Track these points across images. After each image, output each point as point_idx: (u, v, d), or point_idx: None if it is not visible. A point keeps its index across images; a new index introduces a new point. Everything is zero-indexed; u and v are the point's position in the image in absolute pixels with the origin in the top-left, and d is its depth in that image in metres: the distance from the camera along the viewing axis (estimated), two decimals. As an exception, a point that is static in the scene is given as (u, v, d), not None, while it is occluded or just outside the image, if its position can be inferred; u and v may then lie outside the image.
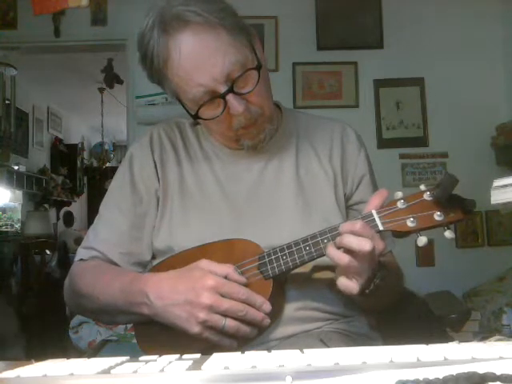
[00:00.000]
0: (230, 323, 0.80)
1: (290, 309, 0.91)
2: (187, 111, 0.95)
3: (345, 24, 3.25)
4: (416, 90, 3.24)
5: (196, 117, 0.92)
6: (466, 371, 0.39)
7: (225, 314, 0.80)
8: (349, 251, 0.77)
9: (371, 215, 0.82)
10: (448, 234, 0.81)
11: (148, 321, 0.89)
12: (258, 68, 0.90)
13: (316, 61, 3.25)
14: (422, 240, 0.80)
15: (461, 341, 0.55)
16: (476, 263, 2.98)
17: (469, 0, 3.24)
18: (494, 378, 0.38)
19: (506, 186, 0.83)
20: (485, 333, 2.31)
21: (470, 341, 0.59)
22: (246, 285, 0.85)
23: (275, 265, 0.86)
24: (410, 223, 0.80)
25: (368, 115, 3.21)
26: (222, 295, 0.80)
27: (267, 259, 0.86)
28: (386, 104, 3.24)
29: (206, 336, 0.81)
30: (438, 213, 0.80)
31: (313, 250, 0.84)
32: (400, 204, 0.82)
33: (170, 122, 1.10)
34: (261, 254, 0.87)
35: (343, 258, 0.78)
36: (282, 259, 0.86)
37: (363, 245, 0.76)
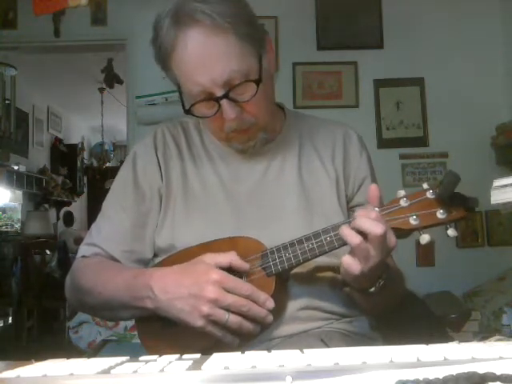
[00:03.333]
0: (233, 318, 0.80)
1: (292, 308, 0.91)
2: (182, 103, 0.95)
3: (345, 24, 3.25)
4: (416, 89, 3.24)
5: (188, 112, 0.93)
6: (465, 371, 0.39)
7: (228, 309, 0.80)
8: (361, 234, 0.78)
9: None
10: (450, 232, 0.81)
11: (151, 317, 0.89)
12: (257, 82, 0.89)
13: (316, 61, 3.25)
14: (425, 238, 0.80)
15: (461, 341, 0.55)
16: (476, 263, 2.98)
17: (469, 0, 3.24)
18: (494, 377, 0.38)
19: (506, 185, 0.83)
20: (485, 333, 2.31)
21: (470, 341, 0.59)
22: (248, 276, 0.86)
23: (278, 261, 0.86)
24: (413, 221, 0.80)
25: (368, 115, 3.22)
26: (226, 290, 0.80)
27: (270, 256, 0.87)
28: (386, 104, 3.24)
29: (209, 330, 0.81)
30: (441, 211, 0.80)
31: (315, 247, 0.84)
32: (403, 202, 0.82)
33: (174, 121, 1.11)
34: (263, 251, 0.87)
35: (355, 238, 0.78)
36: (285, 256, 0.86)
37: (375, 228, 0.76)
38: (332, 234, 0.84)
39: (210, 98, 0.89)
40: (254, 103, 0.90)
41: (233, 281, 0.82)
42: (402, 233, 0.83)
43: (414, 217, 0.80)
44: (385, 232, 0.76)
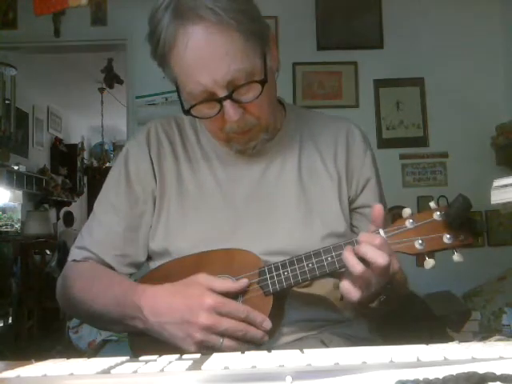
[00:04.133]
0: (227, 343, 0.77)
1: (289, 320, 0.89)
2: (181, 103, 0.89)
3: (345, 24, 3.25)
4: (416, 90, 3.24)
5: (187, 113, 0.88)
6: (465, 371, 0.39)
7: (223, 334, 0.77)
8: (363, 261, 0.74)
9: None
10: (456, 257, 0.79)
11: (143, 332, 0.85)
12: (263, 82, 0.84)
13: (316, 61, 3.25)
14: (430, 263, 0.78)
15: (461, 341, 0.55)
16: (476, 263, 2.97)
17: (468, 0, 3.24)
18: (494, 378, 0.38)
19: (506, 185, 0.82)
20: (485, 333, 2.31)
21: (470, 341, 0.59)
22: (245, 294, 0.82)
23: (276, 280, 0.82)
24: (419, 245, 0.78)
25: (368, 115, 3.21)
26: (221, 315, 0.77)
27: (268, 275, 0.83)
28: (386, 104, 3.24)
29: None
30: (448, 235, 0.77)
31: (315, 267, 0.81)
32: (408, 224, 0.79)
33: (168, 117, 1.06)
34: (261, 267, 0.84)
35: (358, 267, 0.74)
36: (284, 275, 0.82)
37: (379, 258, 0.73)
38: (333, 254, 0.81)
39: (212, 98, 0.84)
40: (257, 104, 0.86)
41: (228, 305, 0.77)
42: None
43: (420, 241, 0.78)
44: (389, 263, 0.73)
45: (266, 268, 0.83)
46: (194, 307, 0.77)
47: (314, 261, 0.81)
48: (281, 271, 0.82)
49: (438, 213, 0.78)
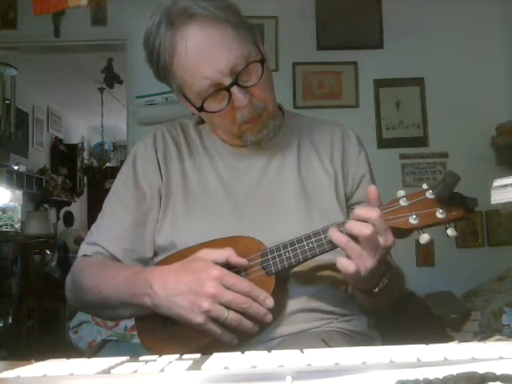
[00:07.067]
0: (232, 315, 0.80)
1: (291, 308, 0.92)
2: (193, 105, 0.96)
3: (345, 24, 3.25)
4: (416, 90, 3.24)
5: (201, 109, 0.94)
6: (465, 371, 0.39)
7: (228, 306, 0.80)
8: (353, 237, 0.79)
9: None
10: (450, 231, 0.82)
11: (150, 315, 0.89)
12: (262, 61, 0.92)
13: (316, 61, 3.25)
14: (425, 237, 0.81)
15: (461, 341, 0.55)
16: (476, 263, 2.98)
17: (469, 1, 3.24)
18: (494, 378, 0.38)
19: (505, 185, 0.83)
20: (485, 333, 2.31)
21: (470, 341, 0.59)
22: (248, 275, 0.86)
23: (278, 260, 0.87)
24: (413, 220, 0.81)
25: (368, 115, 3.22)
26: (226, 287, 0.80)
27: (270, 255, 0.87)
28: (386, 104, 3.24)
29: (209, 327, 0.81)
30: (440, 210, 0.81)
31: (315, 246, 0.85)
32: (402, 202, 0.83)
33: (173, 122, 1.12)
34: (263, 250, 0.88)
35: (342, 239, 0.80)
36: (285, 255, 0.86)
37: (363, 229, 0.78)
38: None
39: (220, 88, 0.90)
40: (261, 87, 0.93)
41: (232, 277, 0.82)
42: (401, 232, 0.83)
43: (414, 216, 0.81)
44: (373, 232, 0.77)
45: (268, 250, 0.88)
46: (201, 278, 0.81)
47: (313, 240, 0.86)
48: (282, 251, 0.87)
49: (430, 191, 0.82)
